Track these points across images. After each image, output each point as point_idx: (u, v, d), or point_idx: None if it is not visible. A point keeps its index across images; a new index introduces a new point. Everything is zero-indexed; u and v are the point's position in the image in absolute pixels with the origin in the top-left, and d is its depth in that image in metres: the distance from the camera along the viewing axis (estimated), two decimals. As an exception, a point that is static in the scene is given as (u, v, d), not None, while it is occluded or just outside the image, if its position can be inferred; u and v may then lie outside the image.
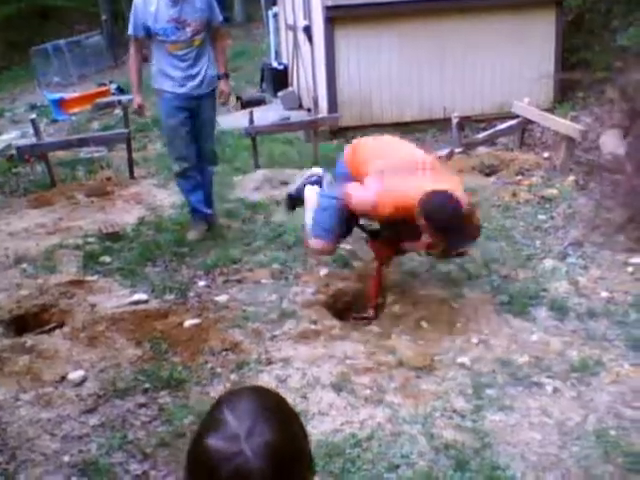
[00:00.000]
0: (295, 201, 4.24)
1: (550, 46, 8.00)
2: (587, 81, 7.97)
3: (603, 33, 8.35)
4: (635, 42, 7.72)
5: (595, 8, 8.85)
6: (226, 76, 4.90)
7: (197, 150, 4.80)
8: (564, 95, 8.04)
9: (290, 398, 2.93)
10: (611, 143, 5.99)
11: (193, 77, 4.59)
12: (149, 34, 4.49)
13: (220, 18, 4.76)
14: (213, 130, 5.01)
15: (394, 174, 3.37)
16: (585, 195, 5.33)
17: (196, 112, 4.68)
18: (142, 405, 2.95)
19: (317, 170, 4.24)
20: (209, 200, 5.01)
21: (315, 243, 3.77)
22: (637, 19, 7.79)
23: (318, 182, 4.00)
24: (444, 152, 6.31)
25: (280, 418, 1.06)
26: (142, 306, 3.83)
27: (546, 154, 6.39)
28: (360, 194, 3.45)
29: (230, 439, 0.99)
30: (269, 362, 3.23)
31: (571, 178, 5.62)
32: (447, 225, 3.14)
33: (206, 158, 4.91)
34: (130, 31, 4.54)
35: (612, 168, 5.74)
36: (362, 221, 3.75)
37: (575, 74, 7.96)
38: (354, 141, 4.02)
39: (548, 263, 4.18)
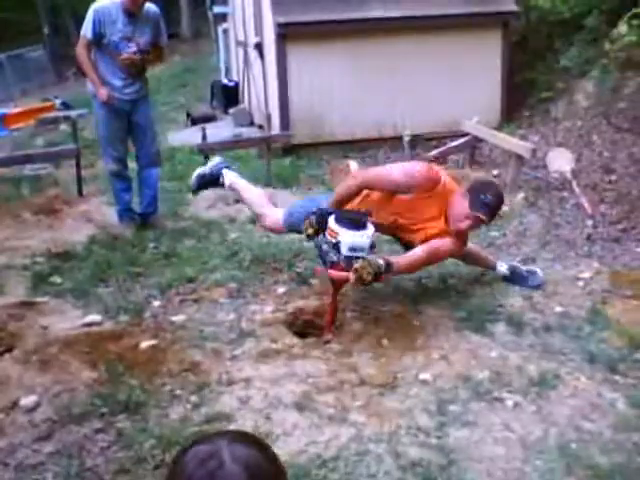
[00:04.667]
0: (207, 183, 4.45)
1: (496, 66, 8.23)
2: (532, 101, 8.22)
3: (546, 54, 8.63)
4: (576, 63, 8.00)
5: (538, 30, 9.14)
6: (142, 60, 4.93)
7: (140, 151, 5.07)
8: (510, 114, 8.26)
9: (253, 419, 2.89)
10: (558, 161, 6.16)
11: (132, 84, 4.96)
12: (99, 40, 4.77)
13: (165, 41, 5.16)
14: (154, 130, 5.30)
15: None
16: (535, 212, 5.47)
17: (134, 114, 5.00)
18: (99, 430, 2.84)
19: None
20: (154, 202, 5.27)
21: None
22: (578, 40, 8.07)
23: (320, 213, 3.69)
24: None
25: (264, 449, 1.06)
26: (96, 328, 3.72)
27: (495, 171, 6.53)
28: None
29: (211, 445, 1.01)
30: (230, 383, 3.17)
31: (521, 195, 5.75)
32: (493, 202, 3.49)
33: (151, 159, 5.17)
34: (87, 33, 4.74)
35: (559, 186, 5.92)
36: (325, 247, 3.57)
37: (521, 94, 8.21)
38: None
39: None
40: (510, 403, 3.03)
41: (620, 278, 4.23)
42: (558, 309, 3.88)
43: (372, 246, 3.47)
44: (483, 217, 3.52)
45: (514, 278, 4.16)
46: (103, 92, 4.83)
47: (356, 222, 3.43)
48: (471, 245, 4.19)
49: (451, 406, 3.00)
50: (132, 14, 4.76)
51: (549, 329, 3.66)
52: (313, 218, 3.56)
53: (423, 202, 3.60)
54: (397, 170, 3.64)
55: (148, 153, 5.15)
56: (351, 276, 3.28)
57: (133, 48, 4.82)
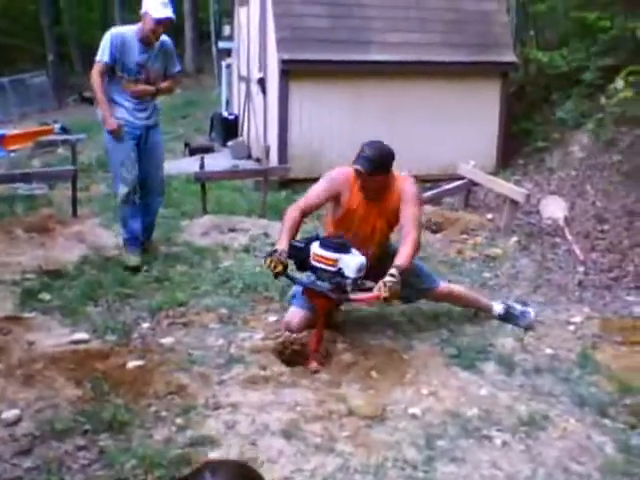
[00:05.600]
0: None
1: (494, 114, 8.36)
2: (528, 150, 8.34)
3: (543, 105, 8.78)
4: (572, 115, 8.15)
5: (536, 82, 9.33)
6: (156, 90, 4.97)
7: (146, 179, 5.00)
8: (506, 161, 8.36)
9: (238, 444, 2.84)
10: (551, 208, 6.23)
11: (143, 110, 4.94)
12: (113, 66, 4.74)
13: (177, 69, 5.18)
14: (163, 159, 5.24)
15: None
16: (527, 256, 5.50)
17: (144, 140, 4.96)
18: (81, 447, 2.78)
19: None
20: (151, 229, 5.26)
21: None
22: (574, 93, 8.23)
23: None
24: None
25: None
26: (83, 346, 3.67)
27: (489, 215, 6.58)
28: None
29: None
30: (217, 407, 3.12)
31: (514, 239, 5.79)
32: (368, 154, 3.61)
33: (155, 188, 5.13)
34: (104, 58, 4.69)
35: (552, 232, 5.97)
36: (311, 278, 3.63)
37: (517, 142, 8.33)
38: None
39: (494, 319, 4.24)
40: (499, 441, 3.00)
41: (610, 324, 4.25)
42: (549, 351, 3.87)
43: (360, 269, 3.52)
44: (358, 167, 3.59)
45: (507, 317, 4.16)
46: (112, 122, 4.78)
47: (345, 245, 3.53)
48: (458, 288, 4.27)
49: (439, 441, 2.97)
50: (148, 43, 4.79)
51: (539, 371, 3.65)
52: (279, 254, 3.48)
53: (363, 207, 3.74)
54: (417, 203, 3.77)
55: (153, 181, 5.09)
56: (385, 293, 3.33)
57: (145, 78, 4.84)
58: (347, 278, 3.44)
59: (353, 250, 3.55)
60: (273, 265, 3.48)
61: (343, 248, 3.51)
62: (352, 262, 3.45)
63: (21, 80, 19.27)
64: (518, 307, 4.22)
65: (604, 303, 4.65)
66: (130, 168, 4.88)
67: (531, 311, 4.20)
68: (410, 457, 2.83)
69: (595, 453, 2.95)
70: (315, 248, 3.52)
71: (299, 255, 3.57)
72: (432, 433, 3.01)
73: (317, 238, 3.65)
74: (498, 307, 4.20)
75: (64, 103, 21.11)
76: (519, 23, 9.93)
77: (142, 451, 2.75)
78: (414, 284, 3.84)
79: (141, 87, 4.86)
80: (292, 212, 3.71)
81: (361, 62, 7.81)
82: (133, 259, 4.87)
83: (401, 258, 3.50)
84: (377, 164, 3.61)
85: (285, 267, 3.51)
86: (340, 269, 3.45)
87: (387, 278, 3.36)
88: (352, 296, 3.58)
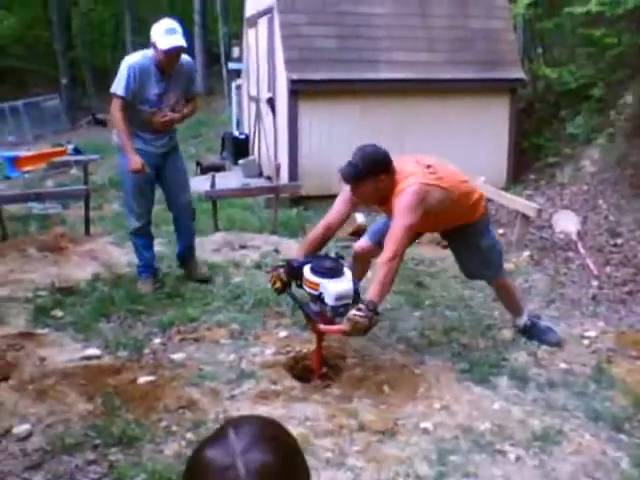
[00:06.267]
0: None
1: (504, 130, 8.36)
2: (539, 165, 8.32)
3: (552, 121, 8.78)
4: (582, 131, 8.14)
5: (545, 98, 9.34)
6: (181, 116, 4.80)
7: (173, 205, 4.85)
8: (517, 177, 8.35)
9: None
10: (563, 223, 6.20)
11: (163, 137, 4.75)
12: (131, 99, 4.47)
13: (197, 90, 4.98)
14: (188, 181, 5.04)
15: None
16: (540, 270, 5.47)
17: (164, 166, 4.75)
18: (91, 462, 2.78)
19: None
20: (189, 251, 5.08)
21: None
22: (584, 108, 8.22)
23: None
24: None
25: (281, 447, 1.02)
26: (94, 361, 3.68)
27: (501, 230, 6.55)
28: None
29: (226, 453, 0.96)
30: (227, 422, 3.11)
31: (526, 254, 5.76)
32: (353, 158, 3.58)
33: (182, 211, 4.92)
34: (121, 92, 4.41)
35: (564, 246, 5.93)
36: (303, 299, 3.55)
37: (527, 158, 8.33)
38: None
39: (507, 333, 4.21)
40: (512, 456, 2.96)
41: (625, 338, 4.20)
42: (563, 366, 3.83)
43: (357, 293, 3.39)
44: (339, 173, 3.53)
45: (532, 331, 4.11)
46: (137, 160, 4.50)
47: (333, 270, 3.35)
48: (514, 284, 4.35)
49: (452, 456, 2.93)
50: (164, 71, 4.54)
51: (553, 385, 3.61)
52: (281, 271, 3.48)
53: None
54: (403, 217, 3.40)
55: (179, 205, 4.90)
56: (346, 327, 3.22)
57: (164, 106, 4.59)
58: (326, 305, 3.28)
59: (344, 276, 3.35)
60: (272, 281, 3.49)
61: (329, 273, 3.32)
62: (332, 289, 3.25)
63: (35, 103, 19.50)
64: (542, 322, 4.17)
65: (618, 317, 4.60)
66: (142, 202, 4.73)
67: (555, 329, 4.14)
68: (422, 472, 2.80)
69: (610, 469, 2.90)
70: (305, 269, 3.39)
71: (294, 274, 3.46)
72: (444, 448, 2.98)
73: (320, 258, 3.52)
74: (523, 318, 4.13)
75: (77, 125, 21.34)
76: (526, 40, 9.97)
77: (152, 466, 2.74)
78: (481, 266, 3.94)
79: (168, 118, 4.62)
80: (316, 228, 3.71)
81: (369, 80, 7.85)
82: (144, 289, 4.76)
83: (371, 294, 3.29)
84: (357, 171, 3.46)
85: (284, 284, 3.47)
86: (321, 294, 3.30)
87: (352, 312, 3.20)
88: (320, 326, 3.38)
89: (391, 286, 3.48)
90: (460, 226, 3.82)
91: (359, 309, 3.22)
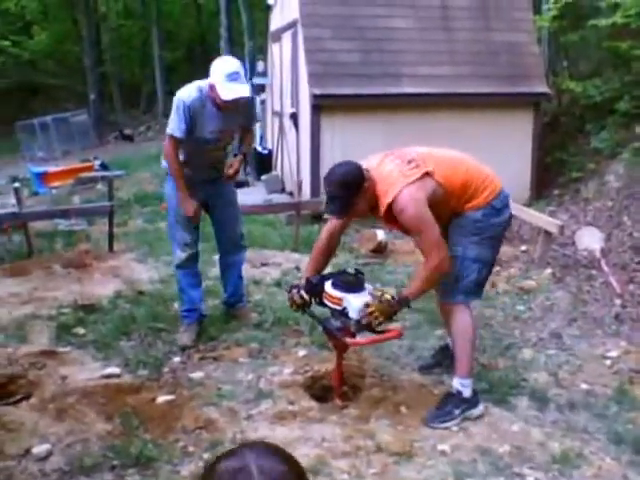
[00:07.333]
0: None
1: (527, 145, 8.32)
2: (563, 180, 8.25)
3: (577, 136, 8.71)
4: (607, 145, 8.05)
5: (569, 112, 9.27)
6: (243, 156, 4.57)
7: (222, 237, 4.54)
8: (540, 192, 8.28)
9: (264, 481, 2.82)
10: (587, 239, 6.13)
11: (212, 168, 4.41)
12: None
13: (253, 124, 4.76)
14: (238, 211, 4.63)
15: None
16: (562, 288, 5.41)
17: (213, 196, 4.41)
18: (109, 483, 2.82)
19: None
20: (241, 289, 4.69)
21: None
22: (609, 123, 8.14)
23: None
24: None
25: (292, 461, 1.11)
26: (114, 380, 3.72)
27: (523, 247, 6.50)
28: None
29: (240, 461, 1.05)
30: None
31: (548, 271, 5.70)
32: None
33: (234, 244, 4.57)
34: (177, 132, 4.05)
35: (587, 264, 5.86)
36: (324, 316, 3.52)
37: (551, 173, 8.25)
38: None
39: (527, 353, 4.17)
40: (531, 479, 2.92)
41: (649, 359, 4.13)
42: (584, 386, 3.78)
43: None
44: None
45: (455, 399, 3.45)
46: (190, 206, 4.20)
47: (355, 284, 3.34)
48: (466, 325, 3.54)
49: (469, 479, 2.91)
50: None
51: (574, 407, 3.56)
52: (300, 289, 3.43)
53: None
54: (419, 227, 3.30)
55: (231, 237, 4.53)
56: (373, 307, 3.19)
57: (220, 140, 4.25)
58: (350, 319, 3.25)
59: (366, 290, 3.32)
60: (290, 302, 3.47)
61: (353, 287, 3.29)
62: (355, 302, 3.22)
63: (64, 119, 19.87)
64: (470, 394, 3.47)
65: (642, 337, 4.53)
66: (191, 230, 4.34)
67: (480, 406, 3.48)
68: (439, 495, 2.78)
69: (632, 493, 2.86)
70: (327, 285, 3.37)
71: (314, 291, 3.43)
72: (461, 470, 2.95)
73: (340, 273, 3.50)
74: (458, 384, 3.48)
75: (105, 140, 21.71)
76: (551, 54, 9.93)
77: (168, 487, 2.76)
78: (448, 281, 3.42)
79: (233, 170, 4.35)
80: (319, 239, 3.64)
81: (392, 95, 7.88)
82: (184, 337, 4.28)
83: (409, 289, 3.34)
84: (341, 203, 3.33)
85: (304, 303, 3.44)
86: (345, 309, 3.27)
87: (387, 296, 3.21)
88: (347, 340, 3.31)
89: (432, 287, 3.45)
90: (451, 217, 3.54)
91: (393, 298, 3.21)
